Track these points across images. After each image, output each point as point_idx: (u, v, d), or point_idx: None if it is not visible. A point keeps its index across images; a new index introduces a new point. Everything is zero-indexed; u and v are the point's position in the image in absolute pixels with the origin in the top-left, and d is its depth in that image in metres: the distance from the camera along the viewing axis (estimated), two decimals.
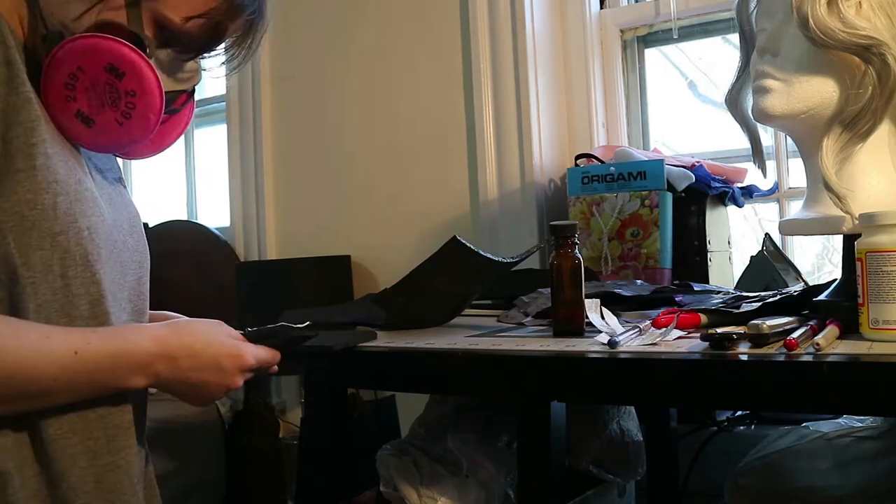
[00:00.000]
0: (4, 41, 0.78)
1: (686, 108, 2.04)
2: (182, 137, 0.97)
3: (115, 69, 0.80)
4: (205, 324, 0.88)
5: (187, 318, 0.93)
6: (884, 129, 0.98)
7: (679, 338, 0.99)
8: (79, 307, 0.82)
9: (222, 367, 0.86)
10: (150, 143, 0.89)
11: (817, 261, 1.86)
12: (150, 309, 0.99)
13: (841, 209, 0.96)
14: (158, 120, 0.84)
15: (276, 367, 0.93)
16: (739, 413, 1.57)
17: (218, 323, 0.90)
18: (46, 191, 0.78)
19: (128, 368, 0.81)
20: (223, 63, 0.92)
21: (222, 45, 0.90)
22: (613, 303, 1.21)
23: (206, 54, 0.90)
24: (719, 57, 1.97)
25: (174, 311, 1.03)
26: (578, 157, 1.81)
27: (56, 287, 0.80)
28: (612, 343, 0.94)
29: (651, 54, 2.04)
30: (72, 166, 0.83)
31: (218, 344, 0.86)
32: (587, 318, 1.07)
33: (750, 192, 1.70)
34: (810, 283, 1.31)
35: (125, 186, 0.96)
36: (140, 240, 0.94)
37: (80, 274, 0.82)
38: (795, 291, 1.16)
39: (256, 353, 0.89)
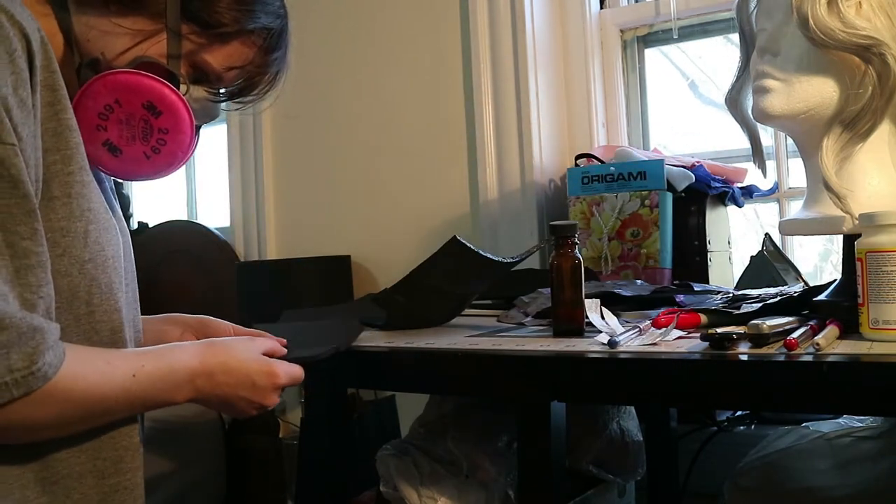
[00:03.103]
0: (50, 65, 0.79)
1: (686, 108, 2.04)
2: None
3: (154, 107, 0.84)
4: (240, 341, 0.92)
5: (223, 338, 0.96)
6: (884, 129, 0.98)
7: (679, 338, 0.99)
8: (100, 333, 0.84)
9: (256, 385, 0.89)
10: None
11: (818, 261, 1.86)
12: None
13: (841, 209, 0.96)
14: (186, 157, 0.89)
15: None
16: (739, 413, 1.56)
17: (251, 339, 0.93)
18: (80, 218, 0.80)
19: (175, 385, 0.84)
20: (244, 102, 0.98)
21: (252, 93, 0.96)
22: (613, 303, 1.21)
23: (236, 100, 0.95)
24: (719, 57, 1.97)
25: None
26: (578, 157, 1.81)
27: (80, 314, 0.81)
28: (612, 343, 0.94)
29: (651, 54, 2.04)
30: (99, 193, 0.85)
31: (252, 361, 0.89)
32: (587, 318, 1.07)
33: (750, 192, 1.70)
34: (811, 284, 1.31)
35: (114, 193, 0.97)
36: (130, 258, 0.95)
37: (105, 302, 0.84)
38: (795, 291, 1.16)
39: (288, 371, 0.93)
